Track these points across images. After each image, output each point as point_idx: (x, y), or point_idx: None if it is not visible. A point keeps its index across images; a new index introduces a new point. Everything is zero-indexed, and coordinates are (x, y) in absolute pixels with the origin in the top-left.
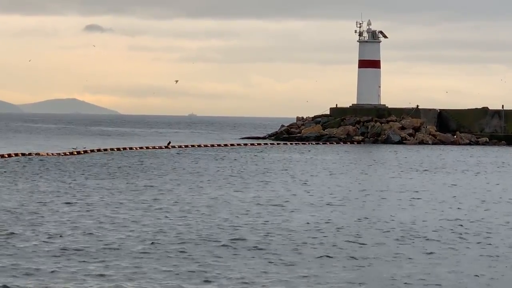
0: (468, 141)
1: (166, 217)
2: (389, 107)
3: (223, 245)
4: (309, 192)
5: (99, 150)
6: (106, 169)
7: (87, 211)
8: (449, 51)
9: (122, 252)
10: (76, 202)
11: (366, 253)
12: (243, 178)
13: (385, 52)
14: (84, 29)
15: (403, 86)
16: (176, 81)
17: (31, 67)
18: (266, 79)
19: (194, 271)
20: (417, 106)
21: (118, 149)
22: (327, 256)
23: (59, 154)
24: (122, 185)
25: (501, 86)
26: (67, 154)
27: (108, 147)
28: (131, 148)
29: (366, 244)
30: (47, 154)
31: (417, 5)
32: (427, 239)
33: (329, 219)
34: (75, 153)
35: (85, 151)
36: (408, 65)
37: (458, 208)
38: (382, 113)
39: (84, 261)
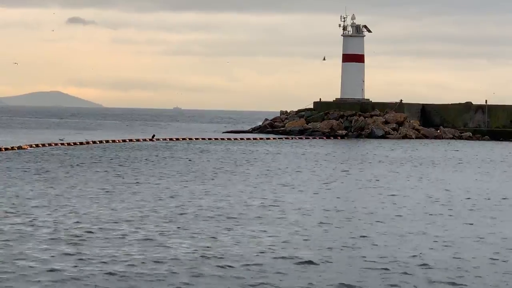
0: (451, 136)
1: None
2: (372, 101)
3: None
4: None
5: (88, 143)
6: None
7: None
8: (432, 45)
9: None
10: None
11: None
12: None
13: (369, 46)
14: (66, 22)
15: (386, 81)
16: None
17: (15, 59)
18: (249, 73)
19: None
20: (401, 100)
21: (101, 141)
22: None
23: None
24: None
25: (485, 81)
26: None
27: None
28: (113, 141)
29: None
30: (31, 146)
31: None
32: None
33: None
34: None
35: (68, 143)
36: (392, 60)
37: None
38: (366, 107)
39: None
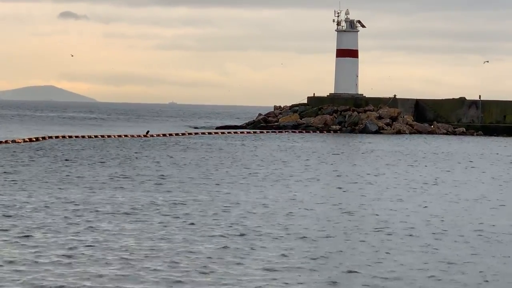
0: (445, 131)
1: None
2: (366, 96)
3: None
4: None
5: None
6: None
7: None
8: (425, 40)
9: None
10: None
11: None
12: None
13: (363, 42)
14: (58, 16)
15: (380, 76)
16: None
17: (8, 54)
18: (242, 68)
19: None
20: (395, 95)
21: (96, 136)
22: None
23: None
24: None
25: (478, 76)
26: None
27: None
28: (109, 136)
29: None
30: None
31: None
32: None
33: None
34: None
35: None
36: (386, 55)
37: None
38: (360, 102)
39: None
